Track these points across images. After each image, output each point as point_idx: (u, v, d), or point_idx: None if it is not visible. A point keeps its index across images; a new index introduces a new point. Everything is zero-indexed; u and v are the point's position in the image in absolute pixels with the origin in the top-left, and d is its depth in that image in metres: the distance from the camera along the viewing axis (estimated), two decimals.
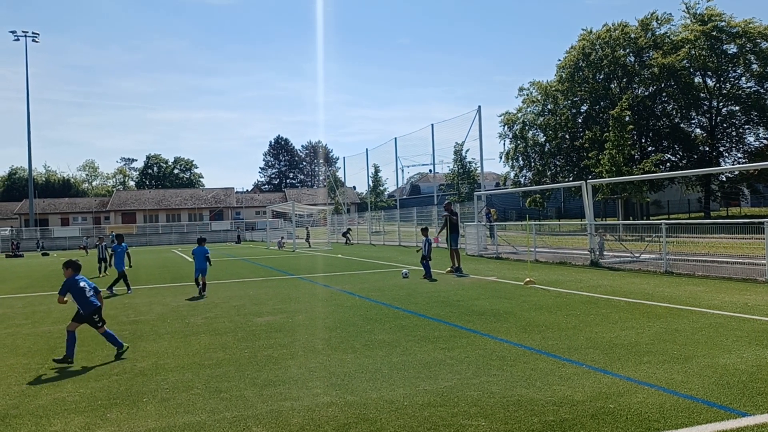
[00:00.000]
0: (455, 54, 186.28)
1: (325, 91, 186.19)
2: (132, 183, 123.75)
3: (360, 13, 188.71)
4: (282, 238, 42.03)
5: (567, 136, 47.82)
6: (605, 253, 17.78)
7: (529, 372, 5.90)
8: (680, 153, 46.72)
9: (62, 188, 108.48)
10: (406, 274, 15.77)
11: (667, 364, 6.03)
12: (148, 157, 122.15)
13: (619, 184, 33.82)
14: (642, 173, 35.61)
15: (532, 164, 49.71)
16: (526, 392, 5.24)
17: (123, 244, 15.79)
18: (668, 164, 45.82)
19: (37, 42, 71.97)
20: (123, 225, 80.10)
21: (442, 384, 5.59)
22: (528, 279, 13.38)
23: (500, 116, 51.21)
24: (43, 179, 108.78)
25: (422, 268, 15.86)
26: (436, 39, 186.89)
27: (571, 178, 46.32)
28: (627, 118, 37.77)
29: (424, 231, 16.93)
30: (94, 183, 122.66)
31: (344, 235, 42.24)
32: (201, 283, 13.40)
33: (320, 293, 13.24)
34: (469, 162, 45.10)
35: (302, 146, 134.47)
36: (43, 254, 48.36)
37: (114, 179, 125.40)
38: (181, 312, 10.93)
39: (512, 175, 51.47)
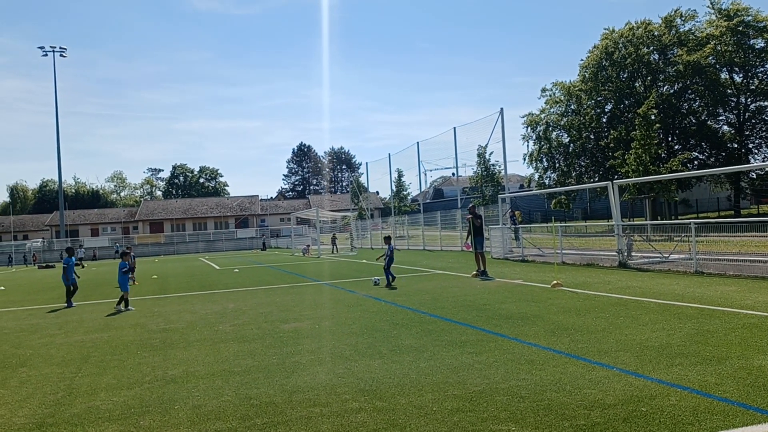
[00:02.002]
0: (475, 57, 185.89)
1: (346, 97, 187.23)
2: (159, 193, 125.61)
3: (378, 20, 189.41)
4: (308, 245, 42.27)
5: (591, 136, 47.31)
6: (633, 253, 17.54)
7: (558, 376, 5.85)
8: (708, 151, 45.91)
9: (91, 199, 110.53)
10: (376, 281, 15.81)
11: (700, 366, 5.93)
12: (174, 167, 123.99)
13: (647, 183, 33.35)
14: (669, 172, 35.07)
15: (557, 165, 49.25)
16: (556, 396, 5.19)
17: (72, 257, 15.87)
18: (696, 162, 45.06)
19: (65, 57, 73.65)
20: (151, 234, 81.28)
21: (471, 389, 5.57)
22: (555, 281, 13.26)
23: (523, 117, 50.90)
24: (73, 191, 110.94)
25: (386, 277, 15.73)
26: (456, 42, 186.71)
27: (596, 179, 45.81)
28: (653, 117, 37.24)
29: (387, 239, 16.93)
30: (122, 194, 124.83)
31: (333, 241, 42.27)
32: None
33: (346, 299, 13.28)
34: (493, 164, 44.81)
35: (325, 152, 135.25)
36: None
37: (141, 189, 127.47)
38: (210, 320, 11.05)
39: (536, 176, 51.04)
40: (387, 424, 4.72)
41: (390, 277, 15.56)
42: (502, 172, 35.19)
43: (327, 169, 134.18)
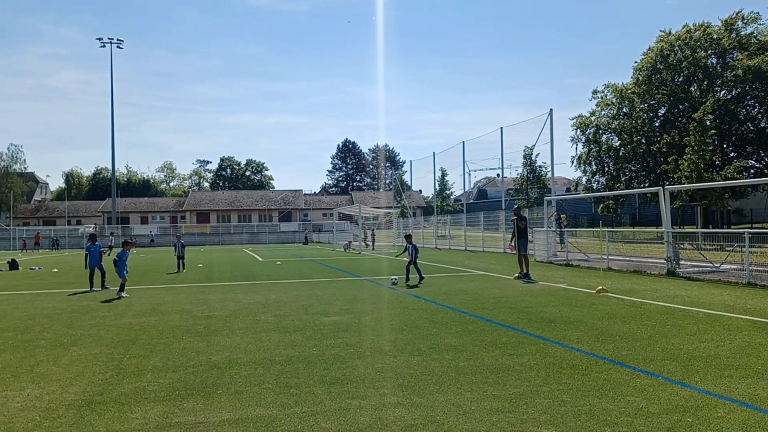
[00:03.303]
0: (526, 57, 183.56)
1: (392, 95, 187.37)
2: (206, 184, 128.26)
3: (428, 19, 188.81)
4: (349, 241, 42.52)
5: (643, 141, 46.13)
6: (683, 262, 17.05)
7: (601, 382, 5.74)
8: (766, 159, 44.18)
9: (142, 188, 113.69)
10: (394, 281, 15.64)
11: (750, 379, 5.73)
12: (221, 160, 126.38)
13: (699, 191, 32.34)
14: (723, 180, 33.91)
15: (606, 169, 48.18)
16: (599, 402, 5.10)
17: (97, 243, 16.31)
18: (752, 171, 43.42)
19: (121, 48, 75.83)
20: (198, 224, 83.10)
21: (511, 390, 5.52)
22: (600, 287, 13.00)
23: (572, 119, 49.95)
24: (125, 179, 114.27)
25: (417, 273, 15.91)
26: (507, 43, 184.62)
27: (647, 184, 44.65)
28: (708, 122, 36.06)
29: (409, 238, 16.92)
30: (171, 183, 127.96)
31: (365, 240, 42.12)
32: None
33: (386, 295, 13.31)
34: (540, 166, 44.17)
35: (369, 149, 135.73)
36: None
37: (190, 180, 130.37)
38: (252, 309, 11.24)
39: (584, 180, 50.06)
40: (425, 420, 4.72)
41: (418, 272, 15.75)
42: (549, 174, 34.65)
43: (371, 166, 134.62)
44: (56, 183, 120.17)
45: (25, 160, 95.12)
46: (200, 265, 25.56)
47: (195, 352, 7.44)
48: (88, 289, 15.26)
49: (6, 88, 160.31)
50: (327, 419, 4.80)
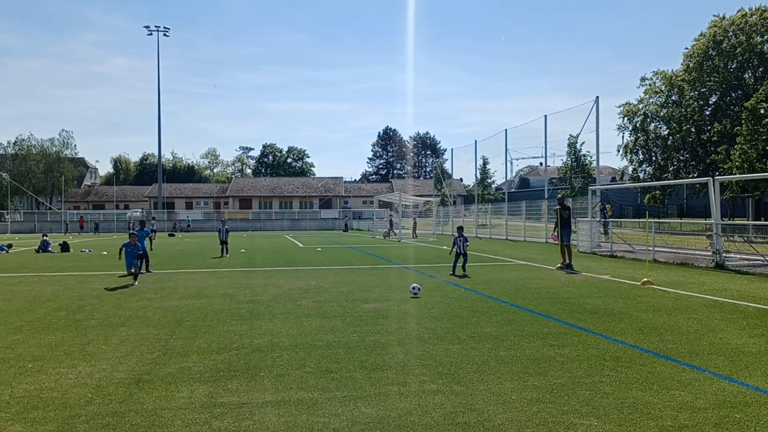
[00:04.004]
0: (572, 43, 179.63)
1: (434, 82, 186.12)
2: (249, 171, 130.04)
3: (471, 3, 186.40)
4: (389, 229, 42.60)
5: (693, 129, 44.77)
6: (732, 254, 16.53)
7: (645, 375, 5.63)
8: None
9: (187, 174, 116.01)
10: (416, 290, 11.05)
11: None
12: (264, 146, 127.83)
13: (751, 181, 31.24)
14: None
15: (653, 158, 46.97)
16: (642, 395, 5.01)
17: (146, 228, 16.93)
18: None
19: (168, 36, 77.25)
20: (240, 210, 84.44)
21: (552, 381, 5.47)
22: (645, 279, 12.72)
23: (619, 107, 48.77)
24: (171, 165, 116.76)
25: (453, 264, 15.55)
26: (552, 29, 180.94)
27: (696, 174, 43.41)
28: (762, 111, 34.72)
29: (459, 230, 16.49)
30: (215, 170, 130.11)
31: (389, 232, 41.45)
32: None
33: (426, 283, 13.31)
34: (584, 155, 43.33)
35: (410, 137, 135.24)
36: (170, 234, 52.06)
37: (233, 167, 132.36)
38: (294, 295, 11.40)
39: (630, 169, 48.91)
40: (464, 408, 4.73)
41: (463, 265, 15.34)
42: (594, 163, 33.97)
43: (411, 154, 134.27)
44: (105, 168, 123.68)
45: (75, 145, 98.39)
46: (243, 251, 26.02)
47: (238, 335, 7.59)
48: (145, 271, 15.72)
49: (58, 75, 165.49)
50: (367, 404, 4.85)
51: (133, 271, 13.82)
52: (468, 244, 15.90)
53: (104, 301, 10.75)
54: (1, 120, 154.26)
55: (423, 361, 6.22)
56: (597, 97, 26.43)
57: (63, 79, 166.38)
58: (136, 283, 13.33)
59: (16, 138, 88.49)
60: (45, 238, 28.16)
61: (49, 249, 26.30)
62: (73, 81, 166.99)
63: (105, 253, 25.39)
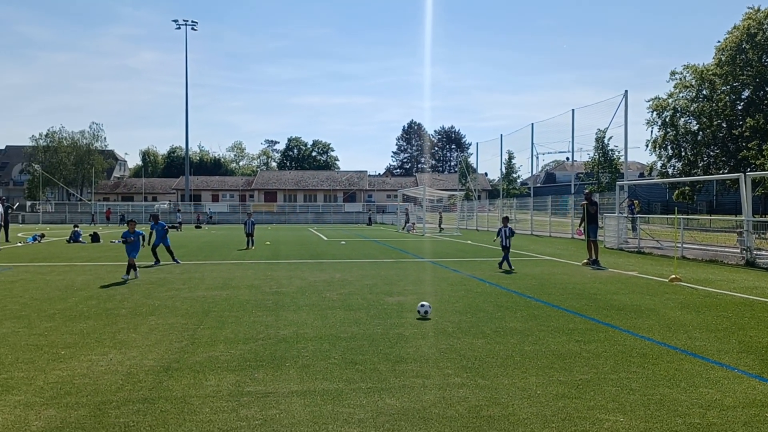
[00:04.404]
0: (601, 36, 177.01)
1: (460, 76, 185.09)
2: (274, 164, 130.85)
3: None
4: (413, 223, 42.57)
5: (724, 125, 43.84)
6: (763, 252, 16.19)
7: (673, 372, 5.57)
8: None
9: (213, 167, 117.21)
10: (425, 310, 8.35)
11: None
12: (289, 140, 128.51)
13: None
14: None
15: (683, 154, 46.13)
16: (670, 392, 4.96)
17: (160, 222, 16.65)
18: None
19: (195, 30, 78.12)
20: (265, 203, 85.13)
21: (578, 376, 5.44)
22: (673, 276, 12.54)
23: (648, 102, 47.95)
24: (198, 158, 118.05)
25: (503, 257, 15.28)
26: (581, 21, 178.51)
27: (726, 170, 42.50)
28: None
29: (504, 220, 16.26)
30: (240, 163, 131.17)
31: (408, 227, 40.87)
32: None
33: (450, 277, 13.30)
34: (612, 150, 42.71)
35: (435, 131, 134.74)
36: (196, 227, 52.71)
37: (258, 160, 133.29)
38: (318, 287, 11.48)
39: (659, 165, 48.13)
40: (489, 402, 4.73)
41: (505, 258, 15.10)
42: (621, 158, 33.49)
43: (436, 148, 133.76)
44: (134, 161, 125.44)
45: (105, 138, 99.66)
46: (268, 243, 26.25)
47: (264, 326, 7.68)
48: (153, 263, 15.92)
49: (88, 69, 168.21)
50: (391, 396, 4.88)
51: (131, 261, 12.81)
52: (513, 235, 15.54)
53: (134, 290, 10.95)
54: (34, 113, 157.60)
55: (447, 355, 6.23)
56: (626, 91, 26.05)
57: (93, 73, 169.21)
58: (129, 277, 12.59)
59: (48, 130, 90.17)
60: (76, 229, 28.75)
61: (80, 239, 26.84)
62: (102, 74, 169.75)
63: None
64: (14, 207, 33.35)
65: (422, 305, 8.40)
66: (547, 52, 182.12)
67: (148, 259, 16.04)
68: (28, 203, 77.84)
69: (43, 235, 28.99)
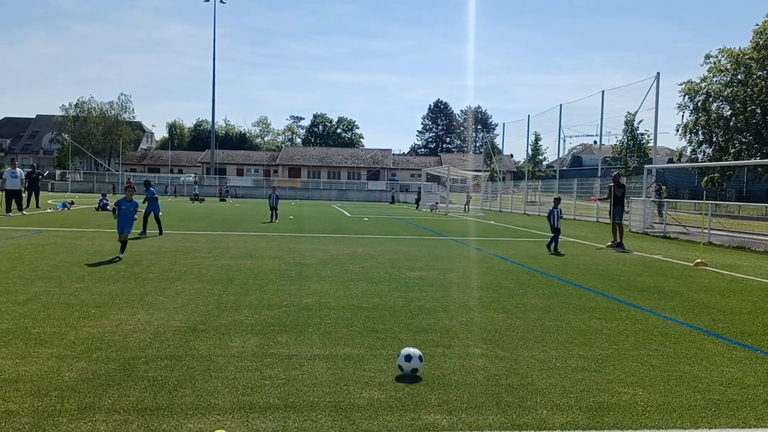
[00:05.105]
0: (634, 18, 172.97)
1: (487, 55, 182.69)
2: (299, 140, 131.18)
3: None
4: (436, 202, 42.51)
5: (758, 111, 42.75)
6: None
7: (694, 351, 5.56)
8: None
9: (239, 141, 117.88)
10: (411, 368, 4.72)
11: None
12: (314, 116, 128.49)
13: None
14: None
15: (714, 139, 45.17)
16: (690, 369, 4.96)
17: (151, 189, 15.90)
18: None
19: (224, 3, 77.96)
20: (289, 179, 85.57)
21: (598, 351, 5.46)
22: (699, 260, 12.40)
23: (681, 85, 46.91)
24: (223, 132, 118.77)
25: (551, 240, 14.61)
26: (613, 2, 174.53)
27: (759, 157, 41.57)
28: None
29: (556, 201, 15.56)
30: (266, 138, 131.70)
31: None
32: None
33: (472, 255, 13.32)
34: (641, 134, 42.02)
35: (461, 111, 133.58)
36: (221, 200, 53.27)
37: (283, 135, 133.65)
38: (341, 260, 11.58)
39: (689, 150, 47.23)
40: (508, 372, 4.78)
41: (553, 240, 14.45)
42: (650, 142, 32.94)
43: (461, 128, 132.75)
44: (160, 133, 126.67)
45: (133, 109, 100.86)
46: (291, 217, 26.45)
47: (287, 294, 7.81)
48: (140, 233, 15.27)
49: (117, 41, 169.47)
50: None
51: (123, 237, 10.86)
52: (562, 217, 14.85)
53: (160, 257, 11.16)
54: (64, 83, 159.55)
55: (468, 327, 6.28)
56: (658, 74, 25.52)
57: (122, 45, 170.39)
58: (122, 256, 10.69)
59: (78, 100, 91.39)
60: (104, 199, 29.27)
61: (108, 208, 27.33)
62: (131, 46, 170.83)
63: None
64: (44, 174, 33.99)
65: (407, 357, 4.65)
66: (578, 33, 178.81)
67: (182, 228, 16.26)
68: (58, 172, 79.21)
69: (72, 202, 29.57)
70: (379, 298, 7.78)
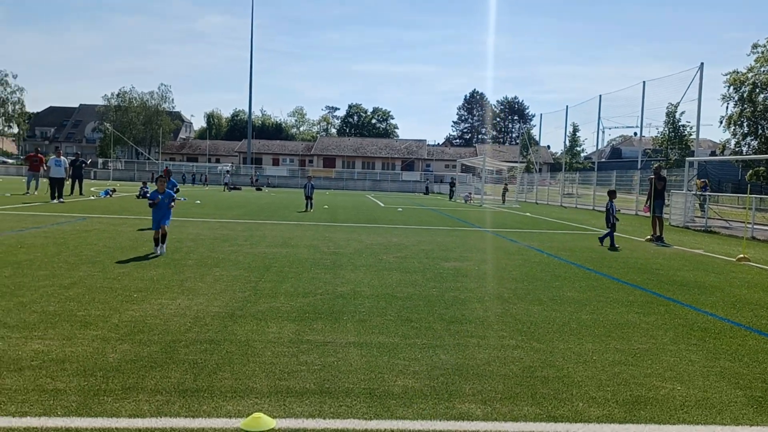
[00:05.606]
0: (677, 7, 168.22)
1: (524, 46, 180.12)
2: (333, 130, 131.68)
3: None
4: (470, 193, 42.26)
5: None
6: None
7: (735, 347, 5.44)
8: None
9: (275, 131, 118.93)
10: None
11: None
12: (349, 107, 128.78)
13: None
14: None
15: (759, 132, 43.77)
16: (731, 365, 4.86)
17: (171, 179, 14.02)
18: None
19: None
20: (324, 169, 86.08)
21: (635, 345, 5.39)
22: (741, 255, 12.08)
23: (726, 76, 45.52)
24: (260, 122, 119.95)
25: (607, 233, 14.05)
26: None
27: None
28: None
29: (611, 194, 14.82)
30: (301, 128, 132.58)
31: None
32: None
33: (507, 247, 13.23)
34: (683, 126, 40.94)
35: (497, 101, 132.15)
36: (257, 189, 53.92)
37: (318, 126, 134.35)
38: (375, 250, 11.63)
39: (733, 143, 45.88)
40: (543, 364, 4.76)
41: (608, 235, 13.91)
42: (693, 134, 32.09)
43: (498, 119, 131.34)
44: (198, 123, 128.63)
45: (173, 99, 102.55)
46: (326, 207, 26.64)
47: (322, 282, 7.89)
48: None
49: (158, 31, 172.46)
50: (446, 352, 4.97)
51: (160, 231, 9.87)
52: (618, 210, 14.32)
53: (199, 244, 11.39)
54: (106, 73, 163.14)
55: (503, 318, 6.26)
56: (702, 64, 24.80)
57: (161, 36, 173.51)
58: (159, 251, 9.77)
59: (119, 90, 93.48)
60: (145, 187, 29.91)
61: (148, 196, 27.91)
62: (170, 37, 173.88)
63: (198, 202, 26.70)
64: (88, 162, 34.88)
65: None
66: (617, 23, 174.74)
67: (221, 216, 16.53)
68: (100, 160, 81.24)
69: (114, 190, 30.32)
70: (414, 287, 7.80)
